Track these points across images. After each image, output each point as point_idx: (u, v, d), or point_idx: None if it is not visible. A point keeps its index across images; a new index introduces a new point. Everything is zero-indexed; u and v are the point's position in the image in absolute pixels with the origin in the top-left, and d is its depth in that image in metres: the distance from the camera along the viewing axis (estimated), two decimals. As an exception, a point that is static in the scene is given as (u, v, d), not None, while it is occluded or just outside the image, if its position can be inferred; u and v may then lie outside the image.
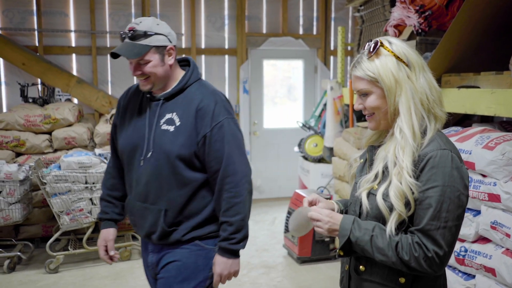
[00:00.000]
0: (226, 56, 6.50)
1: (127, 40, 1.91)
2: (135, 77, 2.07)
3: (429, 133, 1.45)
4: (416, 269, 1.38)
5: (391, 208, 1.42)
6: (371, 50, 1.47)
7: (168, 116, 1.95)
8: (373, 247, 1.41)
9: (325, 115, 5.10)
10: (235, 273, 2.05)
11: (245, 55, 6.47)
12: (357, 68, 1.49)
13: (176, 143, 1.91)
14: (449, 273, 2.62)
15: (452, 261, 2.60)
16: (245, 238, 2.01)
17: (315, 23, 6.77)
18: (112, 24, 6.06)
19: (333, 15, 6.81)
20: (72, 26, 5.94)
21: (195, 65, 2.06)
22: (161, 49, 1.94)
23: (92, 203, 4.33)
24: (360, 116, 4.78)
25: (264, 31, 6.59)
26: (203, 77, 6.39)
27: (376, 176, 1.48)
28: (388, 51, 1.46)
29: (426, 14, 3.30)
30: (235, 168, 1.92)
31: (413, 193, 1.39)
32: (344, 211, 1.67)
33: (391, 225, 1.41)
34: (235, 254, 2.00)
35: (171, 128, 1.93)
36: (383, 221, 1.45)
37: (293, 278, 4.15)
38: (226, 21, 6.45)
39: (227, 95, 6.54)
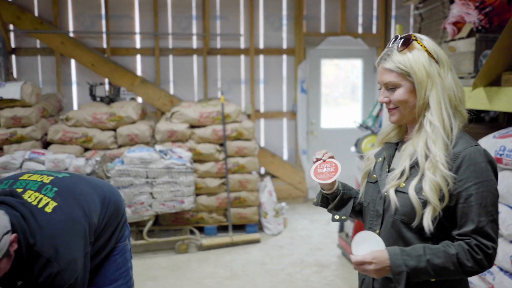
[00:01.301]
0: (284, 56, 6.56)
1: None
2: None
3: (454, 130, 1.47)
4: (476, 272, 1.39)
5: (424, 203, 1.42)
6: (404, 43, 1.48)
7: None
8: (433, 270, 1.38)
9: (382, 115, 5.03)
10: None
11: (303, 54, 6.49)
12: (387, 60, 1.51)
13: None
14: (505, 278, 2.53)
15: (508, 265, 2.51)
16: None
17: (374, 21, 6.68)
18: (174, 25, 6.29)
19: (393, 13, 6.68)
20: (137, 29, 6.24)
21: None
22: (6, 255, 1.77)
23: (152, 197, 4.53)
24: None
25: (323, 30, 6.59)
26: (261, 77, 6.50)
27: (402, 173, 1.48)
28: (421, 45, 1.48)
29: (486, 10, 3.19)
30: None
31: (447, 185, 1.40)
32: (341, 192, 1.70)
33: (428, 221, 1.41)
34: None
35: None
36: (412, 217, 1.44)
37: (346, 278, 4.14)
38: (284, 21, 6.51)
39: (284, 95, 6.62)
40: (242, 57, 6.46)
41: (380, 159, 1.62)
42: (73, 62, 6.16)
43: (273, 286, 4.00)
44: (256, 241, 5.00)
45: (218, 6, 6.36)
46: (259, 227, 5.35)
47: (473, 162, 1.41)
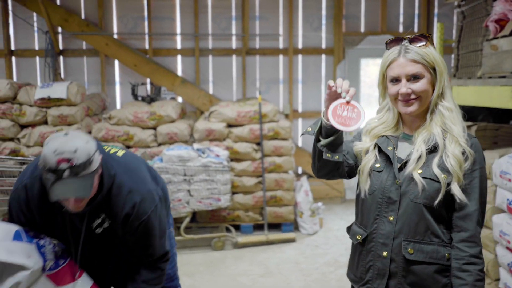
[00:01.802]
0: (323, 56, 6.54)
1: (66, 173, 1.72)
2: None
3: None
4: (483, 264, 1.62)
5: (448, 182, 1.57)
6: (424, 38, 1.63)
7: (97, 221, 2.02)
8: None
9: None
10: None
11: (342, 54, 6.45)
12: (410, 53, 1.61)
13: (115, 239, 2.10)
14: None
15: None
16: None
17: (416, 20, 6.55)
18: (214, 26, 6.39)
19: (436, 11, 6.54)
20: (178, 30, 6.38)
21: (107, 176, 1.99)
22: (97, 172, 1.87)
23: (190, 194, 4.63)
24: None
25: (362, 30, 6.52)
26: (299, 77, 6.50)
27: (420, 158, 1.62)
28: (433, 45, 1.65)
29: (529, 7, 3.08)
30: None
31: (467, 159, 1.58)
32: (338, 133, 1.66)
33: (457, 189, 1.57)
34: None
35: (103, 230, 2.04)
36: (434, 198, 1.58)
37: (381, 279, 4.10)
38: (323, 21, 6.49)
39: (322, 95, 6.60)
40: (281, 57, 6.49)
41: (390, 147, 1.69)
42: (116, 62, 6.37)
43: (307, 285, 4.01)
44: (292, 240, 5.02)
45: (258, 7, 6.42)
46: (295, 227, 5.36)
47: (478, 149, 1.61)
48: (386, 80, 1.69)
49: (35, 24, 6.25)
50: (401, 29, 6.55)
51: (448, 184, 1.57)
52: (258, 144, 5.23)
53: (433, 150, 1.61)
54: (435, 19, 6.52)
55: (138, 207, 1.98)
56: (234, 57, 6.44)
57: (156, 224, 2.08)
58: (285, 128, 5.23)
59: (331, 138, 1.66)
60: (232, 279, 4.11)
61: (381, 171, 1.68)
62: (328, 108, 1.58)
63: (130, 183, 1.99)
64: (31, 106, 5.12)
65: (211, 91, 6.45)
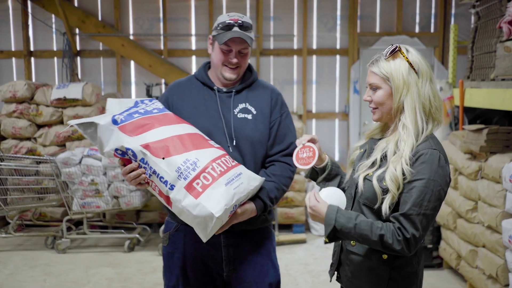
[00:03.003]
0: (337, 56, 6.51)
1: (236, 29, 2.03)
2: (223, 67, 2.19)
3: (424, 133, 1.67)
4: (395, 250, 1.60)
5: (384, 190, 1.65)
6: (389, 52, 1.69)
7: (242, 106, 2.12)
8: (356, 233, 1.63)
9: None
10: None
11: (356, 55, 6.41)
12: (374, 65, 1.73)
13: (256, 130, 2.09)
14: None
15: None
16: (271, 206, 2.11)
17: (432, 20, 6.47)
18: (229, 27, 6.41)
19: (453, 11, 6.44)
20: (193, 31, 6.43)
21: (253, 66, 2.26)
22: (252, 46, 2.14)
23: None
24: (473, 119, 4.50)
25: (377, 30, 6.47)
26: (313, 78, 6.50)
27: (373, 164, 1.71)
28: (404, 56, 1.68)
29: (541, 8, 3.02)
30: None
31: (405, 178, 1.61)
32: (330, 167, 1.91)
33: (385, 206, 1.63)
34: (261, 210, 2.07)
35: (249, 117, 2.10)
36: (374, 202, 1.68)
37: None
38: (338, 21, 6.46)
39: (337, 95, 6.58)
40: (295, 57, 6.48)
41: (362, 150, 1.86)
42: (132, 63, 6.45)
43: (314, 286, 4.00)
44: (302, 242, 5.02)
45: (272, 7, 6.42)
46: (306, 228, 5.35)
47: (426, 161, 1.61)
48: None
49: (54, 26, 6.37)
50: (417, 29, 6.48)
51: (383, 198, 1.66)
52: (270, 145, 5.22)
53: (384, 158, 1.72)
54: (452, 19, 6.42)
55: (282, 100, 2.20)
56: (248, 57, 6.45)
57: (293, 123, 2.24)
58: (297, 129, 5.23)
59: (324, 174, 1.93)
60: (241, 280, 4.13)
61: (354, 169, 1.84)
62: (293, 156, 1.89)
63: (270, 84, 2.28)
64: (47, 106, 5.23)
65: (225, 92, 6.47)
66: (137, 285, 4.02)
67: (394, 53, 1.69)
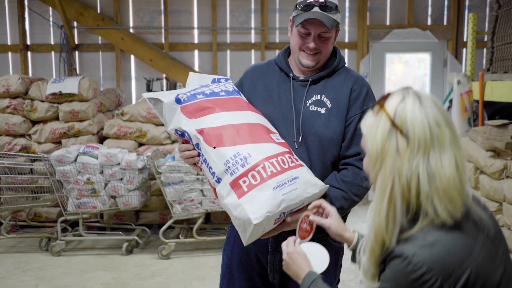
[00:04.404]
0: (346, 50, 6.23)
1: (317, 9, 1.80)
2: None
3: (414, 228, 1.13)
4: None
5: None
6: (375, 104, 1.21)
7: (316, 97, 1.86)
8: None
9: (450, 113, 4.61)
10: None
11: (366, 48, 6.14)
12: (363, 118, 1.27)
13: (329, 126, 1.82)
14: None
15: None
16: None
17: (445, 12, 6.19)
18: (232, 20, 6.16)
19: (467, 2, 6.16)
20: (195, 24, 6.18)
21: (339, 51, 1.96)
22: (337, 28, 1.88)
23: (203, 194, 4.42)
24: (492, 115, 4.23)
25: (388, 22, 6.19)
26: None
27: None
28: (385, 113, 1.16)
29: None
30: None
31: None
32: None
33: None
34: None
35: (322, 111, 1.83)
36: None
37: None
38: (347, 14, 6.19)
39: (345, 90, 6.31)
40: (302, 51, 6.21)
41: None
42: (132, 57, 6.20)
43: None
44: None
45: (278, 0, 6.16)
46: (314, 230, 5.09)
47: (394, 272, 1.12)
48: None
49: (51, 19, 6.13)
50: (429, 21, 6.20)
51: None
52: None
53: None
54: (466, 11, 6.14)
55: (368, 91, 1.88)
56: (253, 51, 6.20)
57: None
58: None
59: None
60: (246, 285, 3.88)
61: None
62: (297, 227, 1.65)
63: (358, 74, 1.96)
64: (42, 101, 4.99)
65: (228, 87, 6.22)
66: (135, 291, 3.78)
67: (376, 105, 1.20)
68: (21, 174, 4.70)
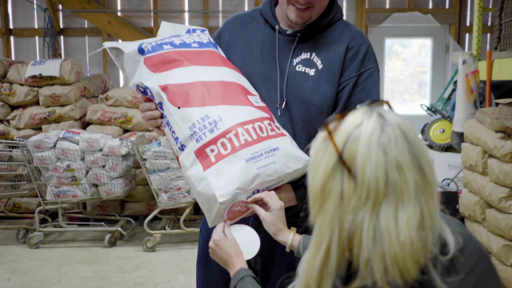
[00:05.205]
0: (344, 35, 5.96)
1: None
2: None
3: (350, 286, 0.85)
4: None
5: None
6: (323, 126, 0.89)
7: (305, 56, 1.55)
8: None
9: (454, 96, 4.34)
10: None
11: (364, 33, 5.86)
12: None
13: (317, 91, 1.52)
14: None
15: None
16: None
17: (448, -5, 5.92)
18: (225, 3, 5.89)
19: (471, -15, 5.89)
20: (186, 7, 5.90)
21: (337, 2, 1.65)
22: None
23: (191, 183, 4.14)
24: (500, 96, 3.96)
25: (387, 6, 5.92)
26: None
27: None
28: (332, 143, 0.85)
29: None
30: None
31: None
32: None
33: None
34: None
35: (311, 72, 1.53)
36: None
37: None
38: (345, -4, 5.92)
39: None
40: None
41: None
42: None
43: None
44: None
45: (272, -18, 5.88)
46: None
47: None
48: None
49: (35, 1, 5.84)
50: (430, 5, 5.92)
51: None
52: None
53: None
54: (470, -6, 5.87)
55: (368, 49, 1.57)
56: (246, 36, 5.93)
57: (378, 89, 1.58)
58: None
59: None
60: (235, 279, 3.61)
61: None
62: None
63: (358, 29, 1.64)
64: (21, 85, 4.70)
65: (221, 74, 5.95)
66: (115, 284, 3.50)
67: (326, 126, 0.88)
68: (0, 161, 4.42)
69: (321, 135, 0.90)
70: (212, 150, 1.34)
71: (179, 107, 1.39)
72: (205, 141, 1.34)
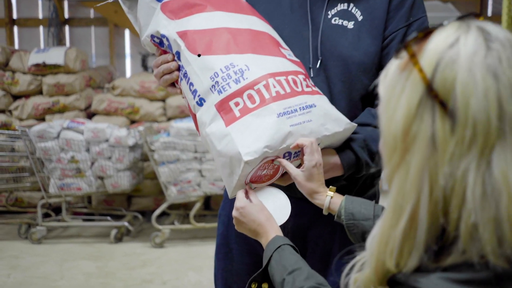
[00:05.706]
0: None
1: None
2: None
3: (445, 261, 0.61)
4: None
5: None
6: (401, 48, 0.65)
7: (342, 7, 1.32)
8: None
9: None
10: None
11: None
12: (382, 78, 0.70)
13: (358, 46, 1.29)
14: None
15: None
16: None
17: (467, -17, 5.70)
18: (236, -8, 5.68)
19: (492, -28, 5.66)
20: (195, -4, 5.70)
21: None
22: None
23: (201, 175, 3.92)
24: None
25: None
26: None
27: None
28: (417, 69, 0.61)
29: None
30: None
31: None
32: (346, 224, 1.09)
33: None
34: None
35: (349, 25, 1.30)
36: None
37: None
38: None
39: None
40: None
41: None
42: (127, 33, 5.72)
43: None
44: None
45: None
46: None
47: None
48: None
49: (39, -10, 5.66)
50: (450, -6, 5.69)
51: None
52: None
53: None
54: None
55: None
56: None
57: None
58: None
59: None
60: (249, 277, 3.39)
61: None
62: None
63: None
64: (24, 73, 4.50)
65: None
66: (121, 281, 3.28)
67: (406, 60, 0.64)
68: (0, 153, 4.21)
69: (396, 63, 0.67)
70: (237, 104, 1.12)
71: (199, 55, 1.18)
72: (229, 92, 1.13)
